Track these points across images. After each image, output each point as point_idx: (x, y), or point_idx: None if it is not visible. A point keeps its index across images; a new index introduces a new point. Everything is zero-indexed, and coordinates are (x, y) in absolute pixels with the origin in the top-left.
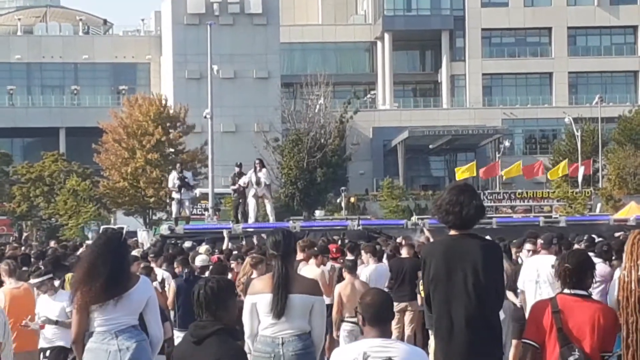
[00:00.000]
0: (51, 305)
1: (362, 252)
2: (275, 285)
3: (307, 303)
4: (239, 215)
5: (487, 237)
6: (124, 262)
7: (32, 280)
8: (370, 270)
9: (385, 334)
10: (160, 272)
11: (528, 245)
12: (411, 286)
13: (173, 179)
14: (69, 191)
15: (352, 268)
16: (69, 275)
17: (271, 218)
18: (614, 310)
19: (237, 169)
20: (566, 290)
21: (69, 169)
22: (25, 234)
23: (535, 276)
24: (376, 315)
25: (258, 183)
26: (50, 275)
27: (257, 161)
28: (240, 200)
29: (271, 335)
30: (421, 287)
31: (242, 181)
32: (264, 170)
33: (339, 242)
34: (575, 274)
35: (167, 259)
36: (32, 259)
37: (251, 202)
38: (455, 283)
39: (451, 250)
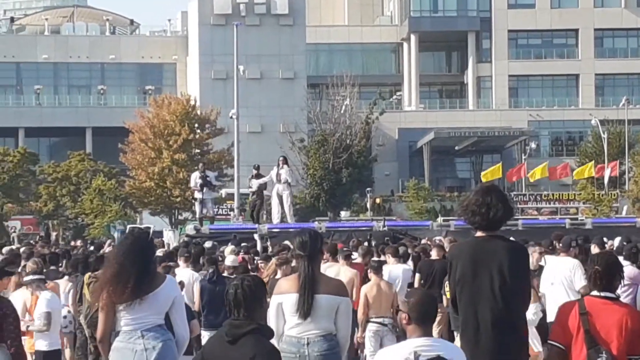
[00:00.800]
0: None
1: (384, 253)
2: (302, 285)
3: (333, 304)
4: (256, 216)
5: (513, 239)
6: (150, 261)
7: (25, 278)
8: (389, 270)
9: (429, 333)
10: (189, 273)
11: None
12: (440, 288)
13: (195, 178)
14: (95, 190)
15: (378, 269)
16: (87, 276)
17: (289, 218)
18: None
19: (254, 171)
20: (594, 293)
21: (95, 168)
22: (54, 234)
23: (552, 278)
24: (424, 315)
25: (279, 180)
26: (42, 277)
27: (280, 158)
28: (257, 202)
29: (297, 336)
30: (447, 289)
31: (261, 181)
32: (285, 167)
33: (366, 243)
34: (604, 276)
35: (189, 258)
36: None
37: (274, 201)
38: (482, 285)
39: (477, 252)
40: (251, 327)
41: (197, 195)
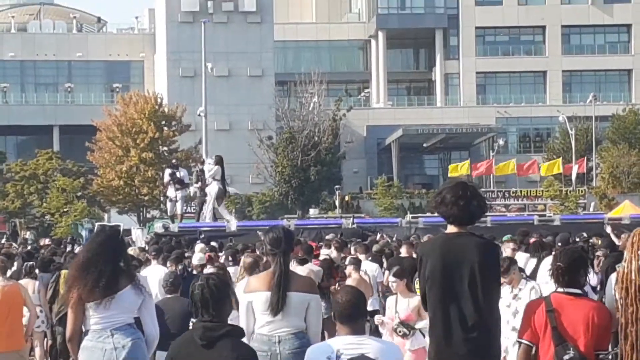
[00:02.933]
0: None
1: (353, 249)
2: (276, 282)
3: (304, 301)
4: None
5: (482, 236)
6: (121, 259)
7: None
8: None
9: (357, 331)
10: (162, 269)
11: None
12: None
13: (167, 176)
14: (58, 189)
15: (357, 266)
16: (64, 272)
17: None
18: (607, 308)
19: (200, 166)
20: (560, 289)
21: (63, 167)
22: (26, 233)
23: (547, 277)
24: (346, 313)
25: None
26: None
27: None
28: (206, 198)
29: (267, 334)
30: (417, 286)
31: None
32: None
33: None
34: (568, 272)
35: (159, 255)
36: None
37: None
38: (452, 282)
39: (447, 248)
40: (226, 330)
41: (169, 193)
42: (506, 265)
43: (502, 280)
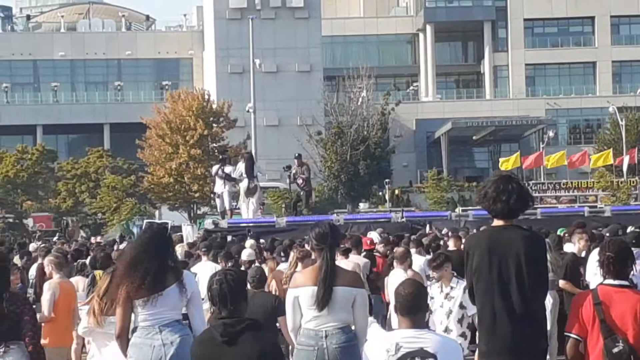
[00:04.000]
0: None
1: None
2: (323, 277)
3: (349, 295)
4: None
5: (530, 228)
6: (168, 256)
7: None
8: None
9: (418, 324)
10: (212, 266)
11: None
12: None
13: (214, 170)
14: (109, 187)
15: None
16: (98, 272)
17: (253, 213)
18: None
19: (296, 161)
20: (608, 281)
21: (114, 164)
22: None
23: (596, 268)
24: (407, 305)
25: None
26: None
27: (246, 155)
28: (302, 194)
29: (314, 328)
30: None
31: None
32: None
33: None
34: (616, 262)
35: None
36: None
37: (242, 197)
38: (498, 274)
39: (494, 241)
40: (245, 324)
41: (217, 189)
42: (439, 261)
43: (433, 275)
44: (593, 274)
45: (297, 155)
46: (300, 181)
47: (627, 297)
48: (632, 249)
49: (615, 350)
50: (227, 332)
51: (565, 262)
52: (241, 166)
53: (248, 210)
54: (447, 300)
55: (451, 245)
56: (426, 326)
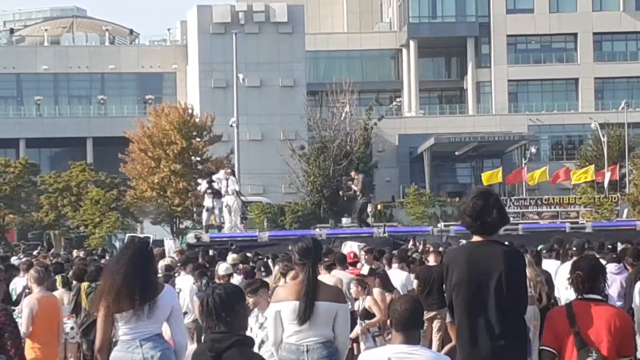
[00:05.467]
0: None
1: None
2: (305, 292)
3: (332, 310)
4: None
5: (509, 244)
6: (149, 271)
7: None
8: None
9: (412, 340)
10: (191, 279)
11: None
12: (439, 294)
13: (204, 185)
14: (92, 201)
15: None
16: (84, 285)
17: (238, 227)
18: (628, 314)
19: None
20: (580, 297)
21: (96, 178)
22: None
23: (567, 282)
24: (402, 321)
25: (226, 191)
26: None
27: (227, 170)
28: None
29: (296, 343)
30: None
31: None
32: (232, 177)
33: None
34: (588, 279)
35: (193, 266)
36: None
37: (225, 211)
38: (478, 290)
39: (474, 256)
40: (233, 340)
41: (206, 203)
42: (255, 286)
43: (248, 299)
44: (564, 288)
45: (355, 167)
46: (350, 192)
47: (602, 311)
48: (614, 264)
49: (589, 359)
50: (214, 348)
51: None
52: (224, 183)
53: (232, 226)
54: (261, 331)
55: (431, 260)
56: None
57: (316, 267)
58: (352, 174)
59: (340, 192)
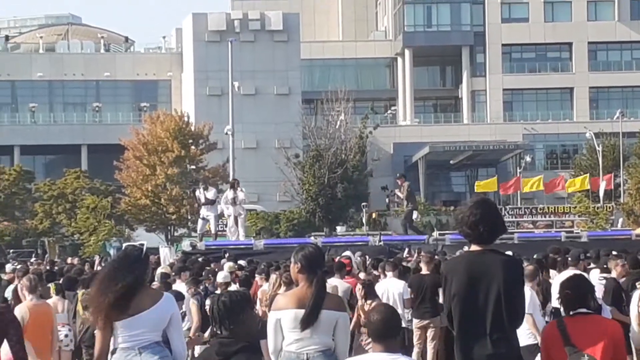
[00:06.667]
0: None
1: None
2: (314, 300)
3: (332, 318)
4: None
5: (508, 253)
6: (142, 278)
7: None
8: (386, 286)
9: (390, 348)
10: (183, 288)
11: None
12: (432, 303)
13: (198, 195)
14: (87, 209)
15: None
16: (80, 293)
17: (242, 237)
18: (619, 324)
19: (399, 181)
20: (571, 312)
21: (91, 186)
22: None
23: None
24: (377, 332)
25: (234, 202)
26: None
27: (235, 181)
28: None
29: (296, 351)
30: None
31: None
32: (239, 189)
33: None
34: (577, 298)
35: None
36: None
37: (230, 222)
38: (476, 299)
39: (472, 266)
40: (240, 345)
41: (202, 212)
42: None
43: None
44: (557, 299)
45: (398, 175)
46: (396, 199)
47: (593, 321)
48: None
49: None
50: (222, 352)
51: (609, 288)
52: (229, 193)
53: (239, 236)
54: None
55: (424, 269)
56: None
57: (324, 275)
58: (399, 181)
59: (386, 199)
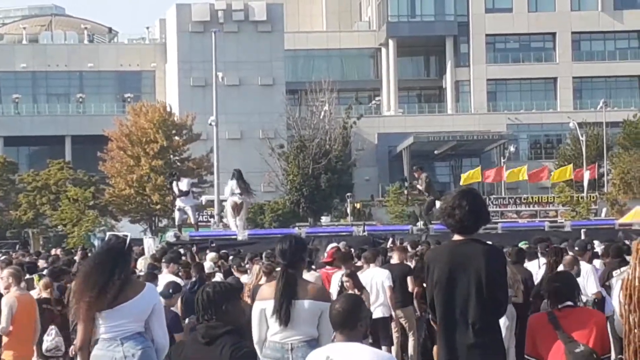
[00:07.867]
0: None
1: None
2: (277, 292)
3: (315, 309)
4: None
5: (490, 242)
6: (125, 269)
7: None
8: (371, 275)
9: (352, 337)
10: (172, 279)
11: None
12: (402, 293)
13: (174, 186)
14: (70, 200)
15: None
16: (36, 277)
17: (242, 228)
18: (604, 314)
19: (415, 174)
20: (559, 306)
21: (75, 177)
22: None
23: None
24: (337, 321)
25: (233, 192)
26: None
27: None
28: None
29: (280, 341)
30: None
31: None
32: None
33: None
34: (565, 291)
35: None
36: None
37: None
38: (458, 288)
39: (454, 255)
40: (227, 328)
41: (178, 203)
42: None
43: None
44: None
45: (414, 168)
46: (416, 191)
47: (581, 312)
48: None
49: (578, 350)
50: (208, 334)
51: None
52: (232, 183)
53: (237, 227)
54: None
55: (394, 258)
56: (363, 340)
57: (294, 268)
58: (415, 174)
59: (405, 192)
